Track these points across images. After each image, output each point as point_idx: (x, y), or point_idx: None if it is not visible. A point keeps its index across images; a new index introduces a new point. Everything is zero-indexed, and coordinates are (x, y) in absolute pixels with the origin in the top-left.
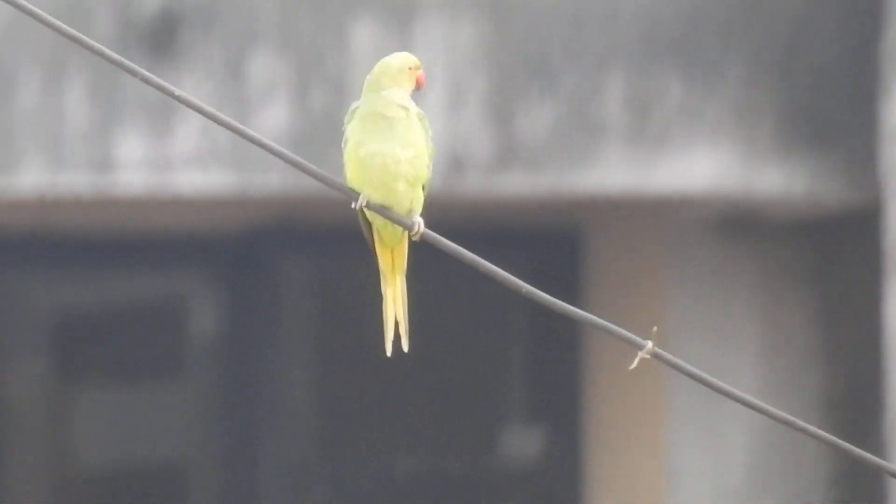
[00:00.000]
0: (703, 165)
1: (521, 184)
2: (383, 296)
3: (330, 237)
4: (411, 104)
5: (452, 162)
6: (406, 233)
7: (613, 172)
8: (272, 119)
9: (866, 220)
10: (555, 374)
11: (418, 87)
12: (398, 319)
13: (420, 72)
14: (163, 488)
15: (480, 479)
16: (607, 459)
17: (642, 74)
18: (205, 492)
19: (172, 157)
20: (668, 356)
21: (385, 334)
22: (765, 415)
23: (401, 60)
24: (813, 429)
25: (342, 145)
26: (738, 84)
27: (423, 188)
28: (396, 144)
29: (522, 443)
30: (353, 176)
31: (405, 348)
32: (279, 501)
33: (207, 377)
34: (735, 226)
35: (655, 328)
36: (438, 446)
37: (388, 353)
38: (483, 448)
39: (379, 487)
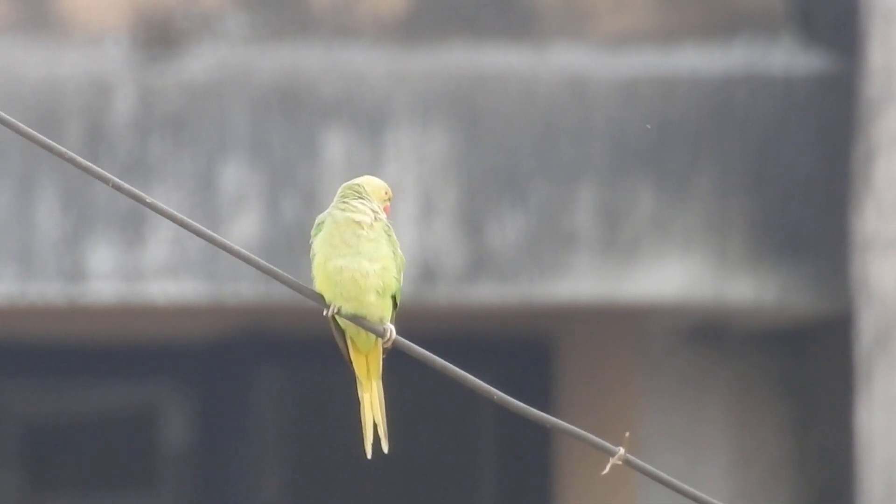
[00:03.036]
0: (673, 275)
1: (491, 293)
2: (360, 400)
3: (302, 345)
4: (380, 214)
5: (424, 272)
6: (379, 340)
7: (584, 282)
8: (243, 229)
9: (837, 329)
10: (527, 482)
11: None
12: (377, 422)
13: (389, 203)
14: None
15: None
16: None
17: (613, 185)
18: None
19: (144, 266)
20: (640, 462)
21: (364, 437)
22: None
23: (380, 184)
24: None
25: (311, 257)
26: (709, 194)
27: (394, 297)
28: (363, 258)
29: None
30: (322, 288)
31: (385, 450)
32: None
33: (179, 488)
34: (706, 335)
35: (627, 434)
36: None
37: (369, 456)
38: None
39: None
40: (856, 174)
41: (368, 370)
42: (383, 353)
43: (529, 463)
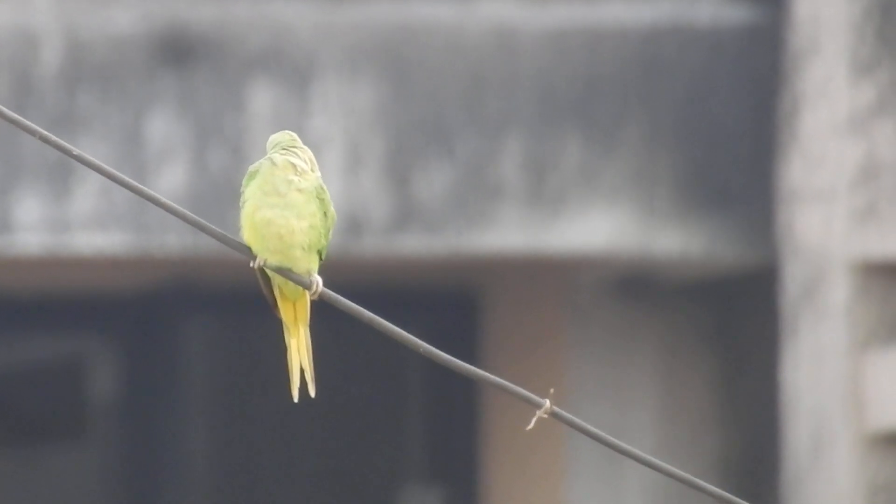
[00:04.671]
0: (601, 227)
1: (418, 245)
2: (287, 346)
3: (230, 297)
4: (311, 181)
5: (351, 223)
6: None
7: (511, 234)
8: (170, 181)
9: (764, 281)
10: (453, 434)
11: None
12: (304, 367)
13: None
14: None
15: None
16: None
17: (540, 136)
18: None
19: (71, 218)
20: (567, 415)
21: (291, 382)
22: (663, 474)
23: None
24: (711, 488)
25: (241, 205)
26: (636, 146)
27: (321, 252)
28: (291, 214)
29: (421, 502)
30: (250, 239)
31: (312, 394)
32: None
33: (107, 438)
34: (634, 287)
35: (553, 390)
36: None
37: (295, 399)
38: None
39: None
40: (782, 126)
41: (296, 317)
42: (312, 298)
43: (456, 415)
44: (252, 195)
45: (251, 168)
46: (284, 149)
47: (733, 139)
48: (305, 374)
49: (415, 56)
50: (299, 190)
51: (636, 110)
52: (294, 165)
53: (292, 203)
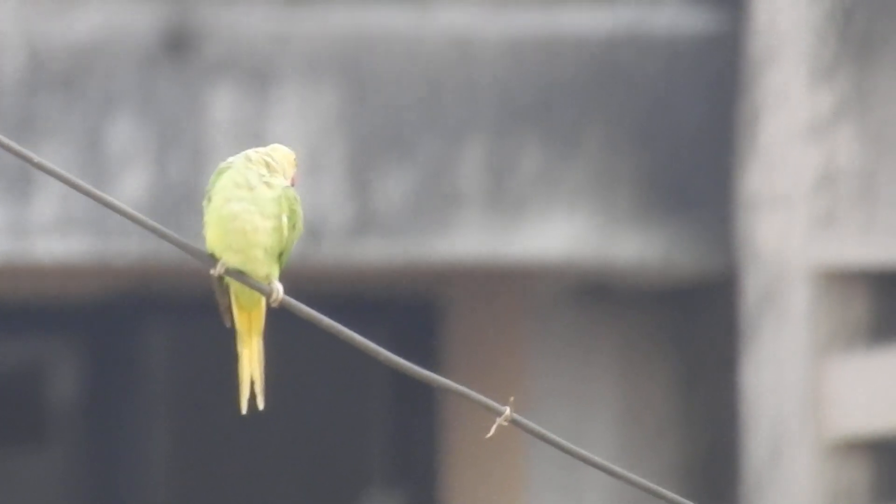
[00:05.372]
0: (560, 233)
1: (378, 251)
2: (239, 356)
3: (189, 304)
4: (278, 185)
5: (310, 229)
6: (263, 297)
7: (471, 240)
8: (130, 187)
9: (723, 287)
10: (414, 440)
11: (292, 182)
12: (254, 379)
13: (295, 170)
14: None
15: None
16: None
17: (499, 142)
18: None
19: (31, 224)
20: (527, 422)
21: (241, 393)
22: (623, 481)
23: (288, 153)
24: (670, 494)
25: (204, 203)
26: (595, 152)
27: (281, 260)
28: (257, 212)
29: None
30: (212, 237)
31: (260, 406)
32: None
33: (66, 445)
34: (593, 293)
35: (513, 398)
36: None
37: (244, 411)
38: None
39: None
40: (741, 133)
41: (250, 326)
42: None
43: (417, 422)
44: (221, 190)
45: (221, 165)
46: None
47: (693, 146)
48: (255, 386)
49: (374, 63)
50: (269, 186)
51: (595, 117)
52: (268, 164)
53: (260, 200)
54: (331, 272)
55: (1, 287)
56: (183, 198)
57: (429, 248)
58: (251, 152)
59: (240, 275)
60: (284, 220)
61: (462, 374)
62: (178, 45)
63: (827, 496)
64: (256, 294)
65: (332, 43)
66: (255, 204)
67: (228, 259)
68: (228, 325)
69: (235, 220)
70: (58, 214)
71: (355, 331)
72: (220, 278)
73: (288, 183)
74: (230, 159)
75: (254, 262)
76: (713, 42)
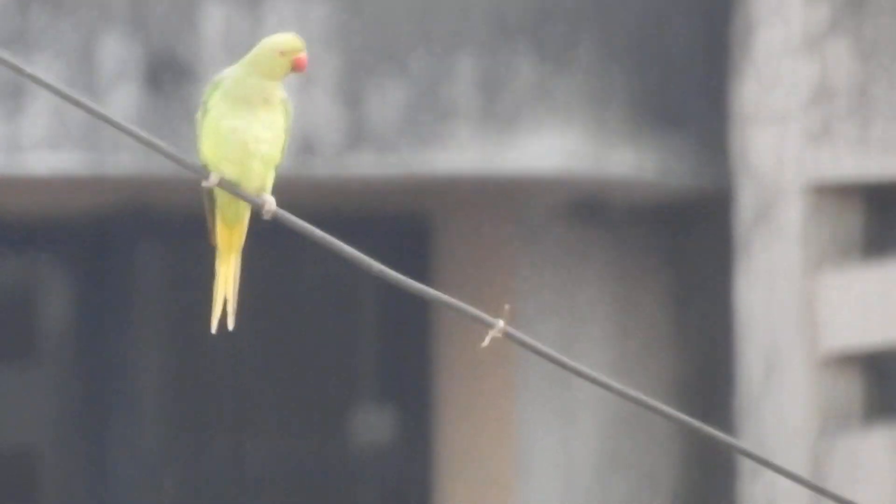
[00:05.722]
0: (553, 147)
1: (371, 165)
2: (216, 273)
3: (182, 219)
4: (276, 93)
5: (303, 143)
6: (248, 212)
7: (463, 154)
8: (123, 102)
9: (717, 203)
10: (406, 355)
11: (297, 70)
12: (227, 297)
13: (300, 55)
14: (13, 475)
15: (331, 461)
16: (458, 440)
17: (493, 56)
18: (55, 478)
19: (23, 138)
20: (519, 335)
21: (213, 311)
22: (615, 394)
23: (273, 44)
24: (664, 408)
25: (199, 116)
26: (590, 66)
27: (275, 170)
28: (258, 124)
29: (373, 423)
30: (208, 150)
31: (230, 326)
32: (130, 487)
33: (59, 361)
34: (586, 208)
35: (507, 306)
36: (290, 429)
37: (213, 330)
38: (333, 429)
39: (230, 471)
40: (736, 47)
41: (231, 243)
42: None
43: (409, 338)
44: (218, 103)
45: (215, 78)
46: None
47: (687, 60)
48: (228, 305)
49: None
50: (268, 100)
51: (589, 29)
52: (261, 70)
53: (258, 111)
54: (323, 186)
55: None
56: (174, 113)
57: (421, 162)
58: (245, 59)
59: (233, 186)
60: (283, 129)
61: (454, 289)
62: None
63: (820, 410)
64: (242, 208)
65: None
66: (256, 119)
67: (224, 170)
68: (213, 242)
69: (234, 133)
70: (50, 128)
71: (348, 244)
72: (210, 192)
73: (283, 76)
74: (225, 71)
75: (250, 174)
76: None
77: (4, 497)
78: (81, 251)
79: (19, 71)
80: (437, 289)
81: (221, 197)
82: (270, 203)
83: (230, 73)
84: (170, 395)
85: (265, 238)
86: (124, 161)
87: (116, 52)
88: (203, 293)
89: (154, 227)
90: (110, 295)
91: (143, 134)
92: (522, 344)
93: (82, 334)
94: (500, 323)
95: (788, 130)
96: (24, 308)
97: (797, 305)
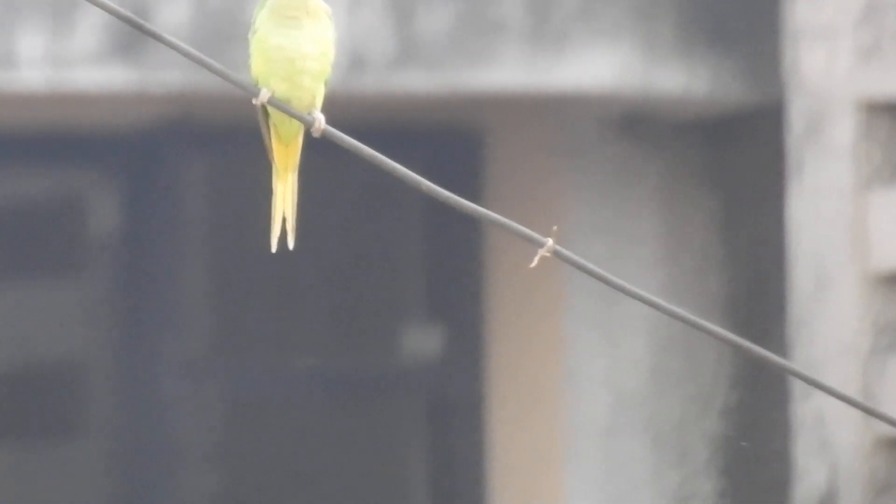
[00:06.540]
0: (602, 64)
1: (420, 82)
2: (273, 191)
3: (230, 135)
4: (315, 3)
5: (352, 59)
6: (302, 129)
7: (512, 71)
8: (172, 16)
9: (768, 119)
10: (455, 274)
11: None
12: (286, 216)
13: None
14: (58, 387)
15: (380, 378)
16: (507, 358)
17: None
18: (100, 390)
19: (72, 53)
20: (569, 254)
21: (272, 229)
22: (665, 313)
23: None
24: (714, 328)
25: (250, 35)
26: None
27: (325, 84)
28: (304, 40)
29: (423, 342)
30: (258, 67)
31: (290, 245)
32: (174, 399)
33: (104, 274)
34: (636, 125)
35: (556, 227)
36: (338, 344)
37: (273, 249)
38: (383, 345)
39: (276, 385)
40: None
41: (287, 161)
42: (315, 135)
43: (458, 255)
44: (265, 21)
45: None
46: None
47: None
48: (287, 223)
49: None
50: (311, 12)
51: None
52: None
53: (305, 30)
54: (372, 103)
55: (41, 117)
56: (224, 28)
57: (471, 78)
58: None
59: (283, 103)
60: (332, 41)
61: (503, 207)
62: None
63: (871, 329)
64: (296, 125)
65: None
66: (302, 35)
67: (275, 87)
68: (270, 159)
69: (281, 50)
70: (100, 43)
71: (397, 162)
72: (263, 109)
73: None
74: None
75: (300, 90)
76: None
77: (48, 410)
78: (129, 165)
79: None
80: (486, 206)
81: (275, 114)
82: (320, 120)
83: None
84: (215, 311)
85: (312, 156)
86: (173, 77)
87: None
88: (250, 208)
89: (201, 139)
90: (156, 207)
91: (192, 50)
92: (571, 263)
93: (127, 247)
94: (550, 242)
95: (839, 47)
96: (70, 222)
97: (848, 223)
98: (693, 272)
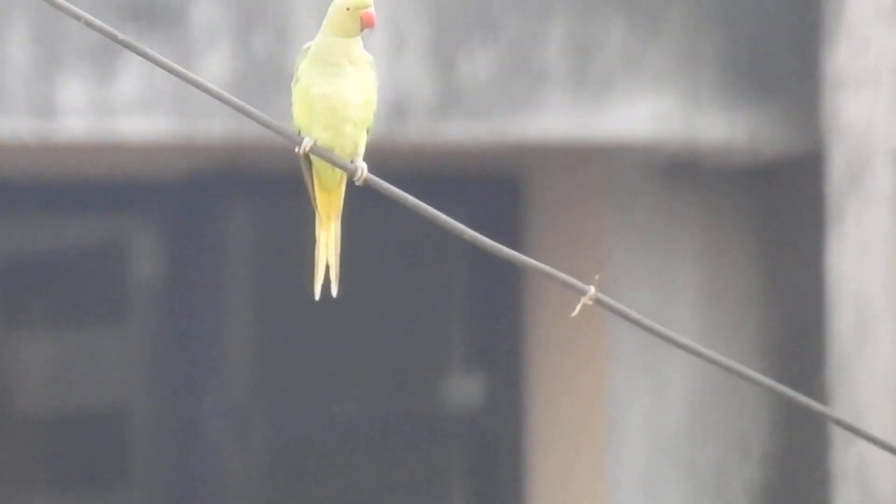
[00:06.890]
0: (645, 112)
1: (462, 130)
2: (317, 239)
3: (272, 183)
4: (357, 52)
5: (394, 107)
6: (344, 177)
7: (555, 119)
8: (215, 65)
9: (809, 167)
10: (497, 321)
11: (366, 26)
12: (329, 264)
13: (367, 10)
14: (103, 433)
15: (421, 425)
16: (549, 406)
17: (584, 20)
18: (145, 436)
19: (115, 102)
20: (611, 301)
21: (315, 278)
22: (706, 360)
23: (341, 1)
24: (754, 374)
25: (292, 84)
26: (680, 30)
27: (367, 132)
28: (347, 88)
29: (464, 389)
30: (300, 116)
31: (334, 293)
32: (219, 445)
33: (149, 323)
34: (677, 172)
35: (598, 276)
36: (380, 391)
37: (317, 297)
38: (425, 393)
39: (319, 432)
40: (828, 10)
41: (330, 209)
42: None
43: (500, 303)
44: (307, 70)
45: (306, 45)
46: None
47: (778, 24)
48: (330, 272)
49: None
50: (354, 63)
51: None
52: (339, 33)
53: (348, 78)
54: (415, 151)
55: (85, 165)
56: (267, 76)
57: (513, 126)
58: (322, 43)
59: (325, 152)
60: (373, 90)
61: (545, 255)
62: None
63: None
64: (339, 174)
65: None
66: (345, 82)
67: (317, 135)
68: (314, 207)
69: (325, 98)
70: (142, 92)
71: (439, 210)
72: (306, 157)
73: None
74: (308, 44)
75: (343, 138)
76: None
77: (95, 456)
78: (171, 214)
79: (112, 37)
80: (528, 254)
81: (318, 163)
82: (363, 168)
83: (316, 40)
84: (259, 358)
85: (355, 203)
86: (215, 126)
87: (208, 15)
88: (294, 256)
89: (244, 189)
90: (200, 257)
91: (235, 99)
92: (613, 310)
93: (172, 296)
94: (592, 290)
95: (879, 95)
96: (114, 271)
97: (888, 270)
98: (734, 318)
